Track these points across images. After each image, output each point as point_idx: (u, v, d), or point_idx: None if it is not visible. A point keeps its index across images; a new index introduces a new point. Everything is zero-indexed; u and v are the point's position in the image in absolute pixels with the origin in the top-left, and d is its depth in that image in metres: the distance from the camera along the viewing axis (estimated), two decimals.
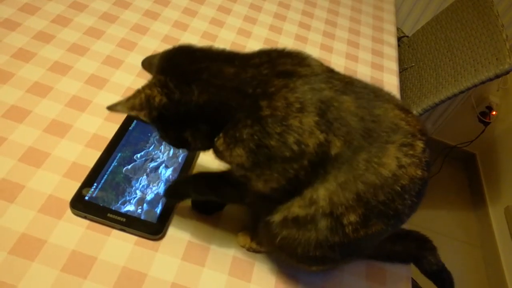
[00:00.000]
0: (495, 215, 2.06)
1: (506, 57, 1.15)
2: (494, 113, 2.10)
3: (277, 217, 0.57)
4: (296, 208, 0.56)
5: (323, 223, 0.54)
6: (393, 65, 1.20)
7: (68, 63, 0.86)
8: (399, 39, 1.67)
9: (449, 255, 1.97)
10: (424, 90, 1.37)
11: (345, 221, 0.53)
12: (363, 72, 1.13)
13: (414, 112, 1.28)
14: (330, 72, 0.56)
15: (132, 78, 0.88)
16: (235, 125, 0.52)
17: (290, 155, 0.51)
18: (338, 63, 1.13)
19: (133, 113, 0.54)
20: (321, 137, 0.51)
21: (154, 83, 0.53)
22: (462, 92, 1.21)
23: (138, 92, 0.53)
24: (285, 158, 0.52)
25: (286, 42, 1.14)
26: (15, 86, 0.78)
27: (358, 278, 0.70)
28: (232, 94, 0.52)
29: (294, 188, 0.55)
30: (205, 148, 0.58)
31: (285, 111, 0.51)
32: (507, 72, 1.13)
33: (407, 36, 1.71)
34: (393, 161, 0.51)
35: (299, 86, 0.52)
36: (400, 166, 0.51)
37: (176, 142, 0.57)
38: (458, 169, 2.40)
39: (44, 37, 0.89)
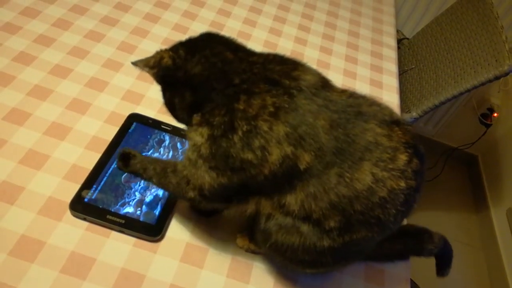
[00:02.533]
0: (497, 217, 2.05)
1: (505, 58, 1.15)
2: (495, 114, 2.10)
3: (263, 221, 0.58)
4: (268, 209, 0.57)
5: (304, 228, 0.55)
6: (393, 67, 1.20)
7: (68, 66, 0.87)
8: (399, 41, 1.67)
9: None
10: (424, 92, 1.38)
11: (326, 227, 0.54)
12: (363, 74, 1.13)
13: (414, 114, 1.28)
14: (319, 87, 0.56)
15: (132, 81, 0.88)
16: (213, 108, 0.54)
17: (250, 159, 0.52)
18: (338, 65, 1.13)
19: (146, 70, 0.58)
20: (288, 150, 0.51)
21: (171, 48, 0.58)
22: (461, 93, 1.21)
23: (157, 53, 0.58)
24: (244, 160, 0.52)
25: (285, 44, 1.14)
26: (15, 89, 0.79)
27: (357, 279, 0.70)
28: (218, 75, 0.55)
29: (247, 189, 0.56)
30: (183, 120, 0.60)
31: (257, 111, 0.52)
32: (507, 74, 1.14)
33: (407, 38, 1.71)
34: (368, 176, 0.52)
35: (280, 95, 0.53)
36: (377, 180, 0.52)
37: (169, 106, 0.61)
38: (460, 171, 2.39)
39: (44, 41, 0.90)
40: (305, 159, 0.52)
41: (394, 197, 0.53)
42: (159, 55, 0.57)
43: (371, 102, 0.58)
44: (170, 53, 0.57)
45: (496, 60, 1.17)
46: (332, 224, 0.54)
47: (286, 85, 0.54)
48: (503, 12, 1.81)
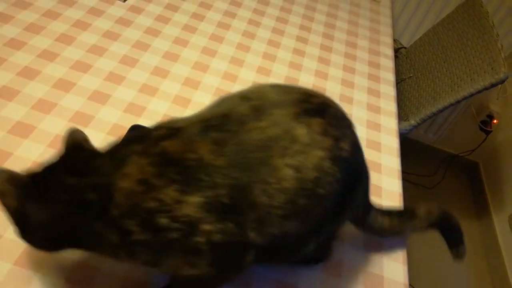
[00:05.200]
0: (499, 223, 2.05)
1: (501, 66, 1.17)
2: (495, 121, 2.11)
3: None
4: None
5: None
6: (390, 76, 1.22)
7: (71, 80, 0.89)
8: (397, 51, 1.70)
9: (454, 265, 1.96)
10: (421, 100, 1.39)
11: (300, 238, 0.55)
12: (360, 84, 1.15)
13: (412, 121, 1.30)
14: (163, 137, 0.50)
15: (134, 94, 0.90)
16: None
17: (177, 236, 0.46)
18: (336, 76, 1.15)
19: None
20: (196, 199, 0.46)
21: None
22: (459, 101, 1.23)
23: None
24: (174, 241, 0.47)
25: (283, 56, 1.16)
26: (20, 103, 0.81)
27: (356, 285, 0.71)
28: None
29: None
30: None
31: (137, 198, 0.46)
32: (502, 81, 1.15)
33: (405, 48, 1.74)
34: (287, 170, 0.49)
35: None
36: (297, 169, 0.49)
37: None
38: (461, 178, 2.40)
39: (48, 55, 0.92)
40: (221, 193, 0.47)
41: (324, 169, 0.51)
42: None
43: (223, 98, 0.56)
44: None
45: (492, 68, 1.19)
46: (301, 231, 0.54)
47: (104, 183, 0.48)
48: (499, 21, 1.83)
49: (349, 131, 0.58)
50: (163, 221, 0.46)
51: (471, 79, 1.24)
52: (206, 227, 0.47)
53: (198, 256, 0.48)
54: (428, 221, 0.74)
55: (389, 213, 0.73)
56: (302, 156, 0.50)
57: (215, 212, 0.47)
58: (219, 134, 0.50)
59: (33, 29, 0.98)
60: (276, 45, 1.20)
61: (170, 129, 0.52)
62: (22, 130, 0.77)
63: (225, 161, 0.48)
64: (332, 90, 1.10)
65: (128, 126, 0.82)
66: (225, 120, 0.52)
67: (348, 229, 0.78)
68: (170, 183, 0.46)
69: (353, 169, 0.57)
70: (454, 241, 0.76)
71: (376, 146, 0.98)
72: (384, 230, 0.73)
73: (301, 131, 0.51)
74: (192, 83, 0.99)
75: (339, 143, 0.54)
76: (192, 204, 0.46)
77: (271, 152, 0.49)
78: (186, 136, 0.50)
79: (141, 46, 1.04)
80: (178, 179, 0.46)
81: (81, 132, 0.55)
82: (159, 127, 0.53)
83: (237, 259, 0.52)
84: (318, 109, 0.55)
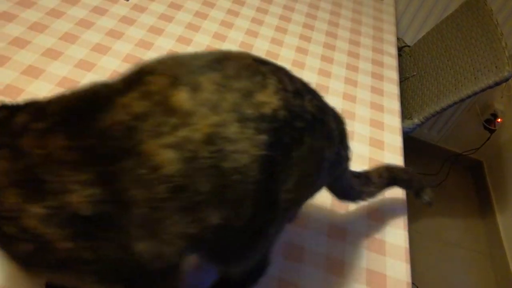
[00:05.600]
0: (504, 222, 2.05)
1: (505, 64, 1.16)
2: (499, 120, 2.10)
3: None
4: None
5: None
6: (394, 75, 1.22)
7: (75, 78, 0.89)
8: (400, 49, 1.69)
9: (458, 264, 1.96)
10: (425, 99, 1.39)
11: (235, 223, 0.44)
12: (364, 82, 1.15)
13: (416, 120, 1.30)
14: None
15: None
16: None
17: (33, 248, 0.39)
18: (339, 74, 1.15)
19: None
20: (38, 210, 0.37)
21: None
22: (462, 100, 1.22)
23: None
24: (32, 253, 0.39)
25: (286, 54, 1.17)
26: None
27: (358, 284, 0.71)
28: None
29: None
30: None
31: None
32: (507, 80, 1.15)
33: (409, 46, 1.73)
34: (166, 152, 0.38)
35: None
36: (178, 146, 0.38)
37: None
38: (465, 177, 2.39)
39: (52, 54, 0.93)
40: (73, 200, 0.37)
41: (228, 136, 0.40)
42: None
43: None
44: None
45: (496, 67, 1.19)
46: (240, 216, 0.43)
47: None
48: (503, 19, 1.83)
49: (274, 79, 0.44)
50: (11, 229, 0.38)
51: (475, 78, 1.24)
52: (63, 244, 0.38)
53: (76, 272, 0.40)
54: (381, 185, 0.74)
55: (352, 172, 0.71)
56: (185, 130, 0.39)
57: (68, 226, 0.38)
58: (78, 124, 0.40)
59: (37, 27, 0.98)
60: (279, 43, 1.20)
61: (34, 116, 0.42)
62: None
63: (80, 157, 0.38)
64: (336, 89, 1.10)
65: None
66: (88, 105, 0.43)
67: (350, 228, 0.78)
68: (10, 186, 0.38)
69: (294, 124, 0.44)
70: (416, 190, 0.78)
71: (380, 144, 0.98)
72: (351, 189, 0.70)
73: (180, 97, 0.40)
74: None
75: (253, 97, 0.41)
76: (34, 215, 0.37)
77: (139, 135, 0.38)
78: (41, 127, 0.40)
79: (145, 44, 1.04)
80: (19, 181, 0.38)
81: None
82: (25, 110, 0.43)
83: (150, 275, 0.42)
84: (210, 65, 0.43)
